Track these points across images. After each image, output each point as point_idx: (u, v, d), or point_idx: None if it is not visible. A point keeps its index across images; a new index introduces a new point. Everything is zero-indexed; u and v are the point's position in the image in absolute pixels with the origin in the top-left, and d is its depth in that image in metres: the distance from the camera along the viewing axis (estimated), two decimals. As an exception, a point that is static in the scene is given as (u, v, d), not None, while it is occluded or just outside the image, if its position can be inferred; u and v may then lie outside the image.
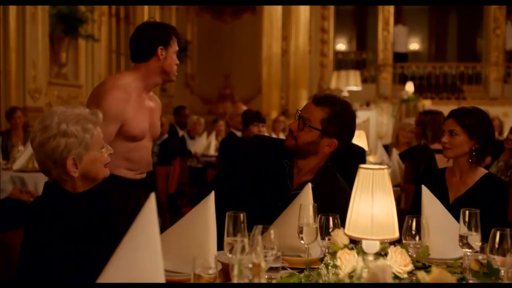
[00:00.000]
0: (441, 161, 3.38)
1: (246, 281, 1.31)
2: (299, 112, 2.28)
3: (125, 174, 2.70)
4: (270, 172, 2.32)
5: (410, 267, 1.68)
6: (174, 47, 2.73)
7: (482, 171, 2.49)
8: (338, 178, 2.35)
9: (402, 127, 6.05)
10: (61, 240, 1.71)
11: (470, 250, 1.77)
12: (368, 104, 12.83)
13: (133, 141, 2.69)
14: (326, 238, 1.80)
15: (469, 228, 1.77)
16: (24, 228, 1.78)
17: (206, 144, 8.02)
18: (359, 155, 4.05)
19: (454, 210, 2.08)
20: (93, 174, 1.83)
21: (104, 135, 2.36)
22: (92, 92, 2.76)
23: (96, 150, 1.81)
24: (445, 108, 4.96)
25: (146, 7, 10.52)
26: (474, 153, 2.43)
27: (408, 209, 2.68)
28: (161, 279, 1.29)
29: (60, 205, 1.77)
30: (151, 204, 1.33)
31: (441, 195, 2.24)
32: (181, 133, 8.05)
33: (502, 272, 1.60)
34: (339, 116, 2.24)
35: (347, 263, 1.64)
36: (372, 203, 1.41)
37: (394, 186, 1.93)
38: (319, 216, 1.83)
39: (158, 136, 6.70)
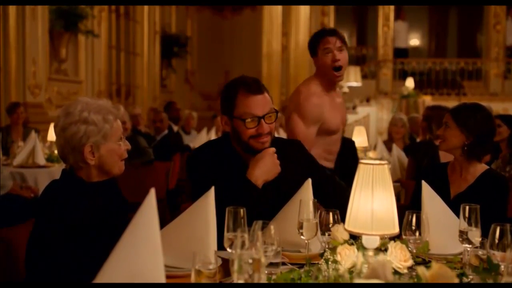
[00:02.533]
0: (444, 157, 3.38)
1: (246, 276, 1.32)
2: (261, 115, 2.21)
3: (324, 163, 2.95)
4: (231, 176, 2.19)
5: (410, 262, 1.68)
6: (321, 49, 3.08)
7: (482, 167, 2.49)
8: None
9: (393, 123, 6.02)
10: (67, 226, 1.73)
11: (470, 246, 1.77)
12: (368, 100, 12.83)
13: (331, 135, 3.10)
14: (326, 234, 1.81)
15: (469, 224, 1.77)
16: (34, 211, 1.83)
17: (206, 140, 7.98)
18: (352, 146, 4.30)
19: (455, 205, 2.08)
20: (108, 166, 1.85)
21: (307, 136, 2.93)
22: (290, 101, 3.17)
23: (114, 142, 1.85)
24: (446, 104, 4.96)
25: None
26: (465, 148, 2.43)
27: (408, 204, 2.68)
28: (161, 274, 1.29)
29: (72, 191, 1.81)
30: (151, 200, 1.33)
31: (443, 190, 2.24)
32: (175, 128, 7.97)
33: (502, 267, 1.59)
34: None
35: (347, 258, 1.65)
36: (372, 199, 1.41)
37: (394, 181, 1.92)
38: (319, 211, 1.84)
39: (159, 132, 6.64)
